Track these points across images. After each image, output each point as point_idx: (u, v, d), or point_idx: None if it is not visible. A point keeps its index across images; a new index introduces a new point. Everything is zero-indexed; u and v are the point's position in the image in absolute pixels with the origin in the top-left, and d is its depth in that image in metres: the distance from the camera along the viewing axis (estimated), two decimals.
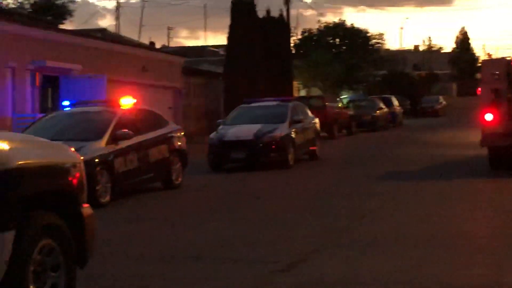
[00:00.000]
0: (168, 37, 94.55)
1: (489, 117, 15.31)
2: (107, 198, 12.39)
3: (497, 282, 6.39)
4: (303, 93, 47.68)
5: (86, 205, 5.89)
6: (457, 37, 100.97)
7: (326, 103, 33.73)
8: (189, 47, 70.81)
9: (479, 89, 16.73)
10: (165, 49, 56.36)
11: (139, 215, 11.60)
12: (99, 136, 12.86)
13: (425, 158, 20.04)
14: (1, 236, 4.69)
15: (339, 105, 36.04)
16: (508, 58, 16.65)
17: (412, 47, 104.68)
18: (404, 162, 19.30)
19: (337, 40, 47.09)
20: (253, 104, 21.18)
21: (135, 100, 14.45)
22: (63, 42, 20.50)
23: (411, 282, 6.50)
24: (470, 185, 14.02)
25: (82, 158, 11.84)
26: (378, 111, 38.40)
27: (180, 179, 14.91)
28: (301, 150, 19.97)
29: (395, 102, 42.76)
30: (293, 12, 57.24)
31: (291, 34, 41.89)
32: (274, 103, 20.89)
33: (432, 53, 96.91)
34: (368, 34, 47.70)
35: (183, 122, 27.33)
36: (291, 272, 7.12)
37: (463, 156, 19.88)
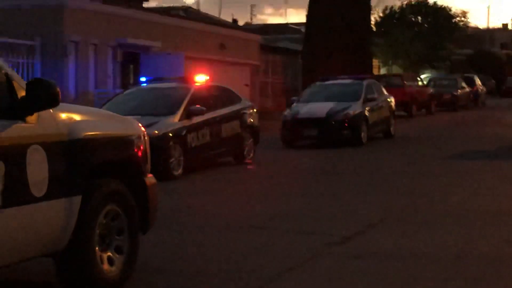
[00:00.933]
0: (251, 14, 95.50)
1: None
2: (180, 171, 12.89)
3: None
4: (383, 71, 47.36)
5: (150, 175, 6.30)
6: None
7: (405, 82, 33.60)
8: (271, 24, 71.14)
9: None
10: (247, 27, 56.86)
11: (209, 188, 12.04)
12: (173, 112, 13.33)
13: (502, 140, 19.82)
14: (69, 200, 5.12)
15: (419, 84, 35.71)
16: None
17: (500, 26, 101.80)
18: (479, 143, 19.07)
19: (419, 18, 46.44)
20: (327, 82, 21.38)
21: (208, 77, 14.92)
22: (144, 20, 21.14)
23: (461, 256, 6.71)
24: None
25: (156, 132, 12.56)
26: (459, 91, 37.84)
27: (251, 154, 15.30)
28: (374, 128, 20.06)
29: (478, 82, 42.02)
30: None
31: (371, 12, 41.61)
32: (349, 81, 21.06)
33: None
34: (451, 12, 46.87)
35: (260, 99, 27.73)
36: (346, 244, 7.37)
37: None
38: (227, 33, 25.98)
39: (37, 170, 4.84)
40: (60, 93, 4.93)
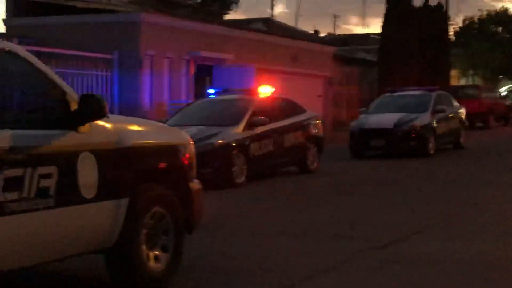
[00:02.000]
0: (334, 24, 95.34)
1: None
2: (243, 179, 13.27)
3: None
4: (463, 82, 46.70)
5: (196, 181, 6.72)
6: None
7: (482, 93, 33.23)
8: (353, 34, 70.89)
9: None
10: (327, 37, 56.91)
11: (268, 195, 12.35)
12: (237, 122, 13.75)
13: None
14: (117, 202, 5.54)
15: (497, 96, 35.24)
16: None
17: None
18: None
19: (500, 28, 45.65)
20: (396, 93, 21.52)
21: (273, 89, 15.35)
22: (217, 33, 21.56)
23: (494, 265, 6.88)
24: None
25: (220, 142, 13.08)
26: None
27: (315, 164, 15.56)
28: (443, 139, 20.07)
29: None
30: None
31: (450, 23, 41.36)
32: (418, 92, 21.19)
33: None
34: None
35: (333, 109, 27.93)
36: (387, 249, 7.61)
37: None
38: (300, 45, 26.25)
39: (87, 174, 5.28)
40: (107, 106, 5.44)
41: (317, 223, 9.46)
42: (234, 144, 13.36)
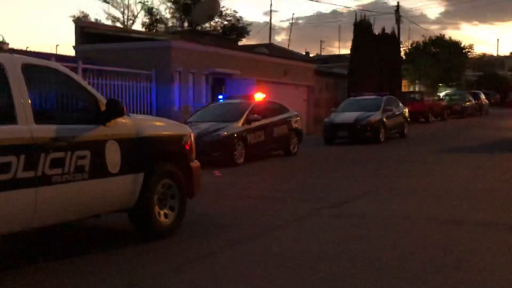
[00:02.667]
0: (320, 47, 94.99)
1: None
2: (241, 160, 13.33)
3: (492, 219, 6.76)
4: (412, 89, 46.51)
5: (195, 161, 6.74)
6: None
7: (424, 97, 33.14)
8: (332, 55, 70.58)
9: None
10: (317, 57, 56.50)
11: (259, 171, 12.40)
12: (237, 119, 13.80)
13: (490, 138, 19.46)
14: (135, 176, 5.70)
15: (435, 98, 35.10)
16: None
17: (508, 53, 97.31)
18: (471, 140, 18.81)
19: (438, 49, 45.41)
20: (357, 97, 21.53)
21: (264, 95, 15.41)
22: (228, 55, 21.55)
23: (412, 217, 6.96)
24: (505, 158, 13.75)
25: (225, 133, 13.12)
26: (467, 103, 36.95)
27: (296, 149, 15.56)
28: (391, 131, 20.03)
29: (482, 96, 40.73)
30: (405, 27, 56.36)
31: (402, 46, 41.38)
32: (372, 97, 21.12)
33: None
34: (462, 45, 45.70)
35: (314, 110, 27.90)
36: (334, 208, 7.73)
37: None
38: (290, 63, 26.25)
39: (112, 156, 5.44)
40: (124, 108, 5.57)
41: (289, 189, 9.53)
42: (236, 135, 13.42)
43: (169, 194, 6.25)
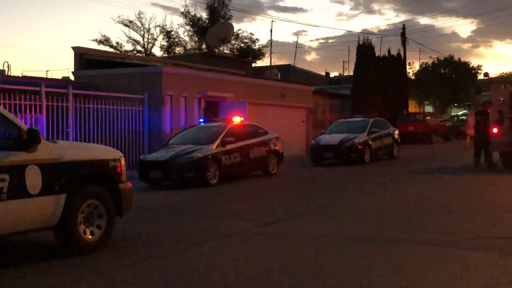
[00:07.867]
0: (343, 67, 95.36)
1: (495, 130, 15.09)
2: (215, 180, 13.68)
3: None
4: (420, 109, 46.44)
5: (126, 183, 7.10)
6: None
7: (427, 118, 33.21)
8: (347, 76, 70.73)
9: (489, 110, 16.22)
10: (338, 77, 56.67)
11: (229, 191, 12.49)
12: (212, 141, 14.22)
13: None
14: (56, 197, 6.12)
15: (440, 119, 35.13)
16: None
17: None
18: (459, 161, 18.65)
19: (447, 69, 45.42)
20: (346, 119, 21.84)
21: (242, 118, 15.86)
22: (220, 78, 21.91)
23: (333, 235, 7.05)
24: (473, 179, 13.75)
25: (199, 155, 13.57)
26: None
27: (275, 170, 15.81)
28: (378, 152, 20.20)
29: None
30: (414, 48, 56.30)
31: (410, 67, 41.83)
32: (360, 119, 21.38)
33: None
34: (470, 66, 45.64)
35: (313, 131, 28.17)
36: (268, 227, 7.89)
37: None
38: (286, 85, 26.69)
39: (32, 178, 5.91)
40: (41, 136, 6.12)
41: (242, 209, 9.60)
42: (210, 157, 13.80)
43: (96, 213, 6.69)
